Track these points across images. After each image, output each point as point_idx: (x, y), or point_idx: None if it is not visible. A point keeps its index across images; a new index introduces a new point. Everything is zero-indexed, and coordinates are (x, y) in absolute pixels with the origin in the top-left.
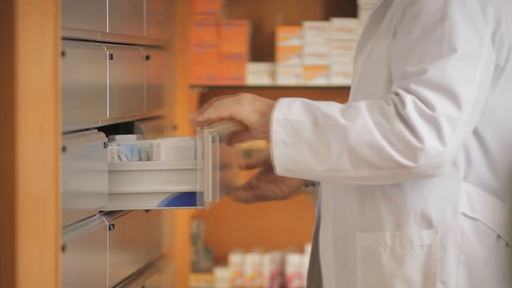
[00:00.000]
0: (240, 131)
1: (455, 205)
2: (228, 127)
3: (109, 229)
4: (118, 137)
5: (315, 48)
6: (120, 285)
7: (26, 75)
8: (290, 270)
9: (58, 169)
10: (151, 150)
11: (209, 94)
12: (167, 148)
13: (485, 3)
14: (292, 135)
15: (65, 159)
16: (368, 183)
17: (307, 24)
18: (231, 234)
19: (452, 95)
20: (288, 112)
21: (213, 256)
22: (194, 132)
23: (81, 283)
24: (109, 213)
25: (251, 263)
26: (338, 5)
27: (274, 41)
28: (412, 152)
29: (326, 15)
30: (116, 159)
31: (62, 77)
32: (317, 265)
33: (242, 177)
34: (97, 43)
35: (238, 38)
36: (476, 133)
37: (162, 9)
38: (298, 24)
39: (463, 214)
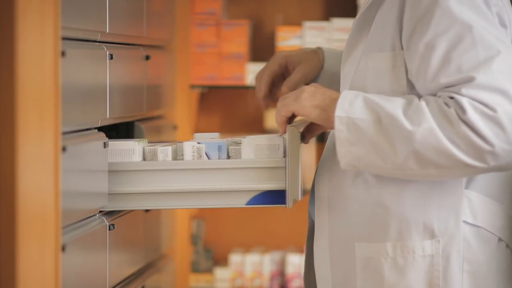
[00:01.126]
0: (310, 126)
1: (457, 214)
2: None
3: (109, 229)
4: (198, 135)
5: None
6: (120, 285)
7: (26, 75)
8: (290, 270)
9: (58, 169)
10: (237, 148)
11: (209, 94)
12: (255, 146)
13: (489, 2)
14: (355, 134)
15: (65, 159)
16: (434, 179)
17: (307, 24)
18: (231, 234)
19: (505, 93)
20: (350, 110)
21: (213, 256)
22: (195, 131)
23: (81, 283)
24: (109, 213)
25: (251, 263)
26: (338, 5)
27: (274, 41)
28: (481, 155)
29: (326, 15)
30: (204, 157)
31: (62, 77)
32: (312, 269)
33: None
34: (97, 43)
35: (238, 38)
36: None
37: (162, 9)
38: (298, 24)
39: (465, 222)
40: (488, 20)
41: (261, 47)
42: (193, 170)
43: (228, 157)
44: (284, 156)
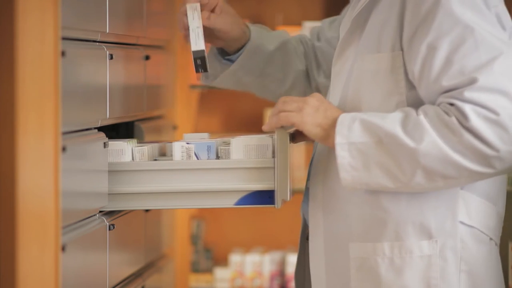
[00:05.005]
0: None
1: (454, 214)
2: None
3: (109, 229)
4: (188, 135)
5: None
6: (120, 285)
7: (26, 75)
8: (290, 270)
9: (58, 169)
10: (226, 148)
11: (209, 94)
12: (244, 146)
13: (489, 4)
14: (359, 159)
15: (65, 159)
16: (441, 190)
17: (307, 24)
18: (231, 234)
19: (507, 95)
20: (349, 135)
21: (213, 256)
22: (195, 131)
23: (81, 283)
24: (109, 213)
25: (251, 263)
26: (338, 5)
27: None
28: (487, 160)
29: (326, 15)
30: (193, 157)
31: (62, 77)
32: (303, 268)
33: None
34: (97, 43)
35: None
36: None
37: (162, 9)
38: (298, 24)
39: (462, 222)
40: (489, 22)
41: None
42: (182, 170)
43: (218, 157)
44: (273, 157)
